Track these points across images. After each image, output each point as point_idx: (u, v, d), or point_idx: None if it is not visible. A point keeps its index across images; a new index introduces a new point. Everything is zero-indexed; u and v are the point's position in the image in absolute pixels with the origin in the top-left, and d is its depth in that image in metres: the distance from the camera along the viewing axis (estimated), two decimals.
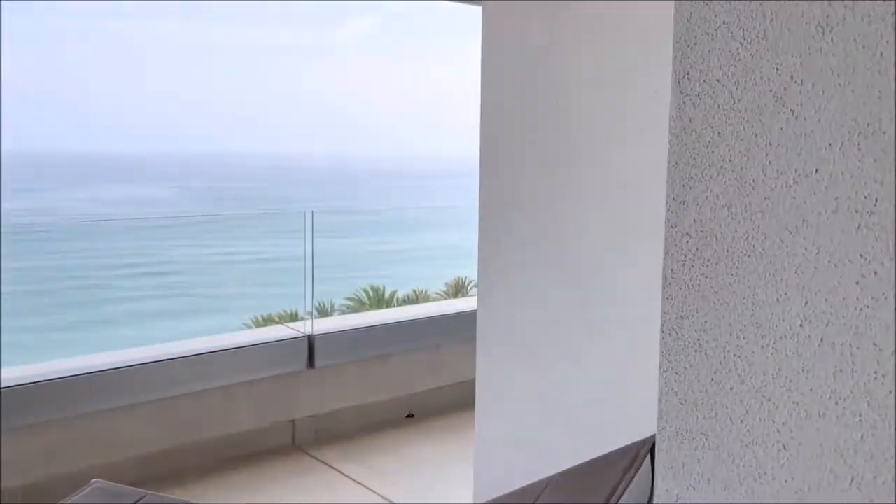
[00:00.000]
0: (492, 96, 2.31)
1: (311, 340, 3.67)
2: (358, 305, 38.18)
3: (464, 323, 4.20)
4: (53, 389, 3.00)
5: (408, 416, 4.02)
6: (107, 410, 3.13)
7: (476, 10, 2.32)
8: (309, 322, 3.77)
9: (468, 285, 37.83)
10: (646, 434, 1.36)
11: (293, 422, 3.69)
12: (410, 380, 4.03)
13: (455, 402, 4.01)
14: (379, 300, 37.03)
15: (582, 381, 2.09)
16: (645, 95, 1.87)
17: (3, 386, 2.88)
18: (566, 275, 2.12)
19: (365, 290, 37.56)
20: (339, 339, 3.79)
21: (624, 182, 1.96)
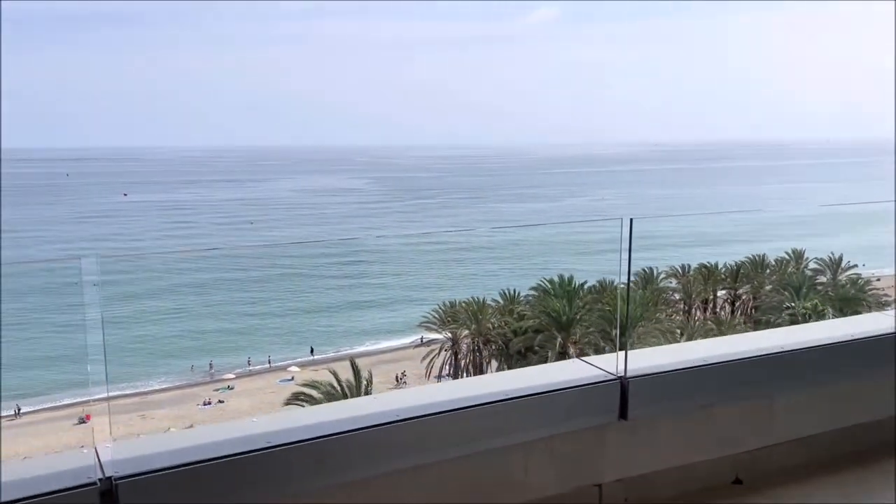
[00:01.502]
0: None
1: (623, 385, 2.90)
2: (542, 295, 37.74)
3: (804, 364, 3.19)
4: (338, 447, 2.41)
5: (734, 483, 3.29)
6: (383, 474, 2.55)
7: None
8: (618, 358, 2.97)
9: (657, 277, 36.32)
10: None
11: (600, 487, 3.03)
12: (737, 436, 3.27)
13: (790, 465, 3.30)
14: (565, 291, 36.35)
15: None
16: None
17: (225, 455, 2.27)
18: None
19: (550, 280, 37.12)
20: (658, 383, 3.00)
21: None
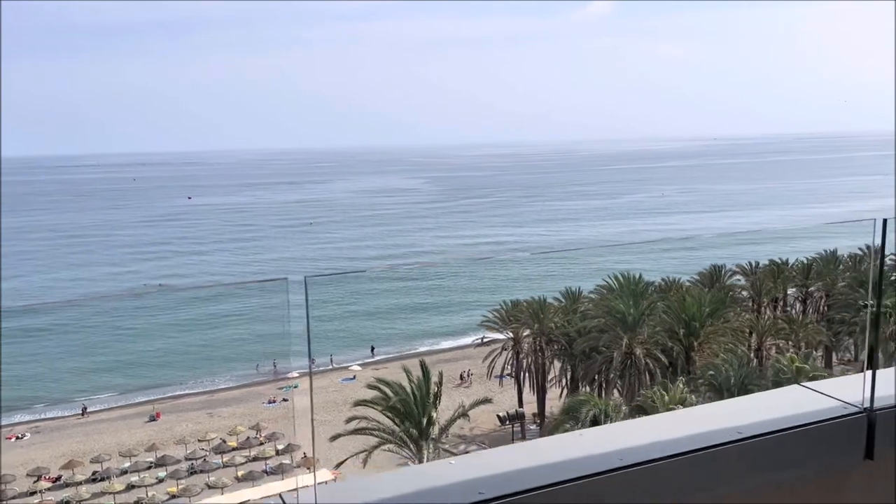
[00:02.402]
0: None
1: (870, 420, 2.32)
2: (606, 293, 36.69)
3: None
4: None
5: None
6: None
7: None
8: (865, 384, 2.40)
9: (724, 275, 35.09)
10: None
11: None
12: None
13: None
14: (631, 290, 35.27)
15: None
16: None
17: None
18: None
19: (616, 277, 36.21)
20: None
21: None
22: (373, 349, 61.62)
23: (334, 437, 20.70)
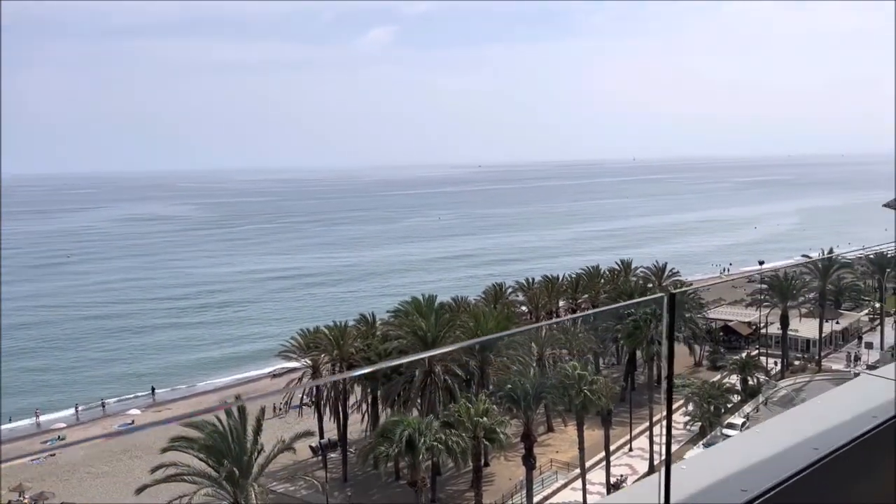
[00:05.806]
0: None
1: None
2: (405, 315, 37.29)
3: None
4: None
5: None
6: None
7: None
8: None
9: (506, 292, 37.64)
10: None
11: None
12: None
13: None
14: (430, 308, 36.11)
15: None
16: None
17: None
18: None
19: (414, 300, 36.95)
20: None
21: None
22: (153, 390, 56.83)
23: (141, 489, 18.59)
